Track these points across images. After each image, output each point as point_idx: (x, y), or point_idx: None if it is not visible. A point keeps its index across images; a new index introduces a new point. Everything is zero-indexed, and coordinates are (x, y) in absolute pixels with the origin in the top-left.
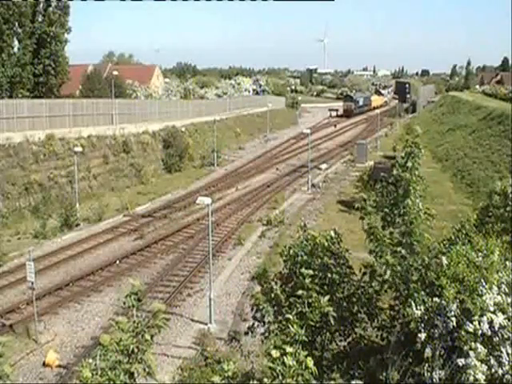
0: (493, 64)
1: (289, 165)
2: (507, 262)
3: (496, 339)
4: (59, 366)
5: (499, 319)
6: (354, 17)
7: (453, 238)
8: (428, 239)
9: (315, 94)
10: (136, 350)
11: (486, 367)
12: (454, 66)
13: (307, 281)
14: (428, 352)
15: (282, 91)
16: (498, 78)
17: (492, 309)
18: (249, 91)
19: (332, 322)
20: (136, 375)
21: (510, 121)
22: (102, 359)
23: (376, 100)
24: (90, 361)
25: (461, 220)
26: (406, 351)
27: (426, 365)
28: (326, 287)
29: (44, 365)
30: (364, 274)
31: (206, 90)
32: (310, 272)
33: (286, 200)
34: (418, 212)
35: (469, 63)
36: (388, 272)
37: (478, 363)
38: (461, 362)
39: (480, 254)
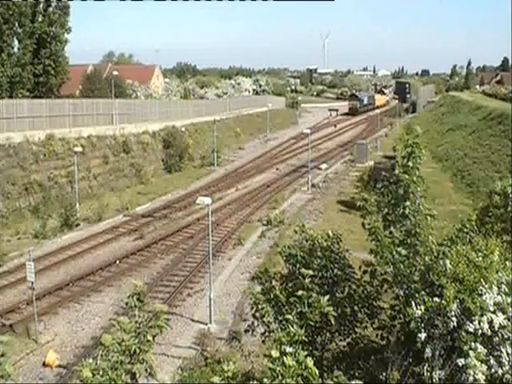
0: (493, 64)
1: (289, 165)
2: (507, 262)
3: (496, 339)
4: (59, 366)
5: (499, 319)
6: (353, 17)
7: (453, 238)
8: (432, 241)
9: (315, 94)
10: (138, 351)
11: (486, 367)
12: (454, 66)
13: (307, 281)
14: (428, 352)
15: (282, 91)
16: (498, 78)
17: (492, 308)
18: (249, 91)
19: (332, 321)
20: (137, 375)
21: (510, 121)
22: (104, 359)
23: (379, 99)
24: (91, 361)
25: (461, 220)
26: (405, 351)
27: (426, 365)
28: (326, 287)
29: (44, 365)
30: (364, 272)
31: (206, 90)
32: (310, 272)
33: (286, 200)
34: (424, 213)
35: (469, 63)
36: (389, 270)
37: (478, 363)
38: (460, 362)
39: (480, 253)
